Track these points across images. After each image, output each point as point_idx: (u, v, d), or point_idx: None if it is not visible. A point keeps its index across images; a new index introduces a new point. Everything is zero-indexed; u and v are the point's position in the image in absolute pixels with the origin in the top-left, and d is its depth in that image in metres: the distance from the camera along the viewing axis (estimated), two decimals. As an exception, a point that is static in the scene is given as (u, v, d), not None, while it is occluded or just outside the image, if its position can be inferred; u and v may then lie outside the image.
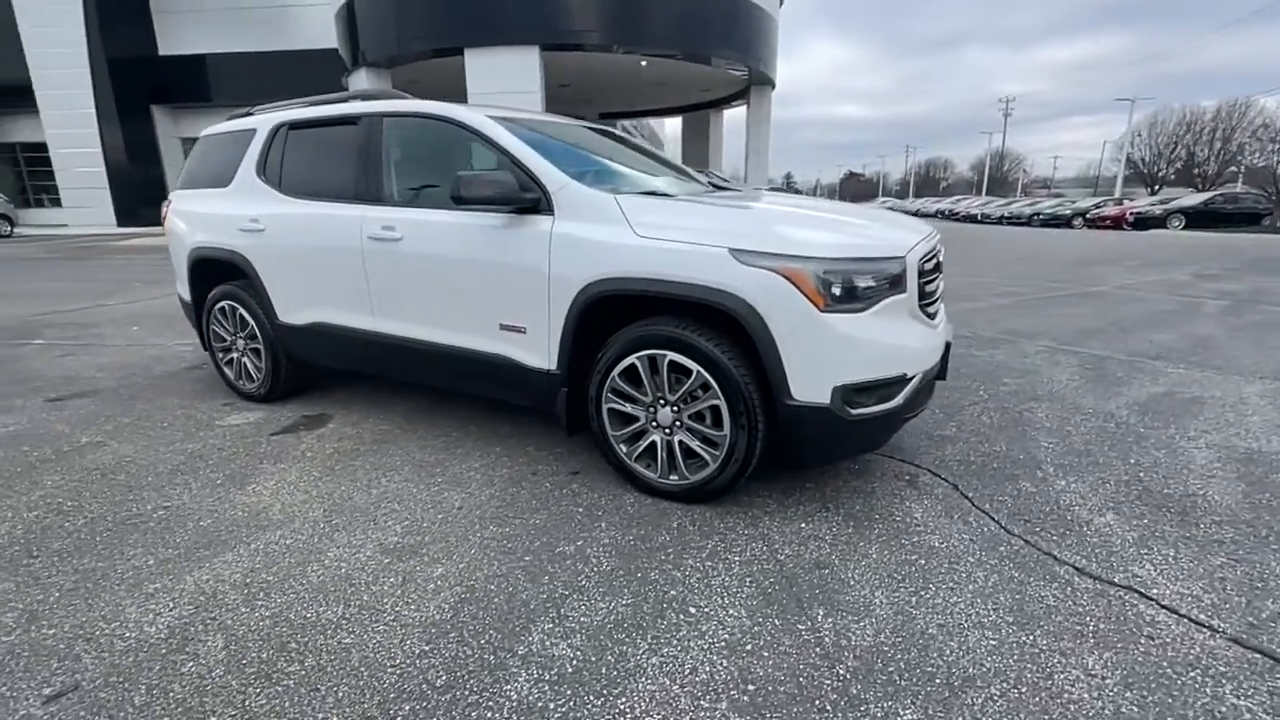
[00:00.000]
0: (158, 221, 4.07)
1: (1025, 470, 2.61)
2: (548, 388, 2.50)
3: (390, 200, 2.84)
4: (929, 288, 2.29)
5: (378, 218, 2.79)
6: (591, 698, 1.47)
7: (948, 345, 2.48)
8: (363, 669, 1.56)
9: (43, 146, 21.63)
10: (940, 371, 2.45)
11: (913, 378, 2.15)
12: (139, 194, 21.00)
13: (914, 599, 1.80)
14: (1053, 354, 4.40)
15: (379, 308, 2.91)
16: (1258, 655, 1.57)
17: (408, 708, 1.45)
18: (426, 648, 1.63)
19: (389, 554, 2.07)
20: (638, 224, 2.22)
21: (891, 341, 2.10)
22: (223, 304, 3.48)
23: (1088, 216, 24.39)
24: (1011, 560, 1.99)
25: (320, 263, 3.04)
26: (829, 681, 1.50)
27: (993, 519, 2.23)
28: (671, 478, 2.33)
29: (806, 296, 1.97)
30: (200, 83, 22.20)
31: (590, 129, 3.57)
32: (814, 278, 1.97)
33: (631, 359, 2.26)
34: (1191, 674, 1.51)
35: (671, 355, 2.18)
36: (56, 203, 22.49)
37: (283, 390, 3.52)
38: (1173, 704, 1.43)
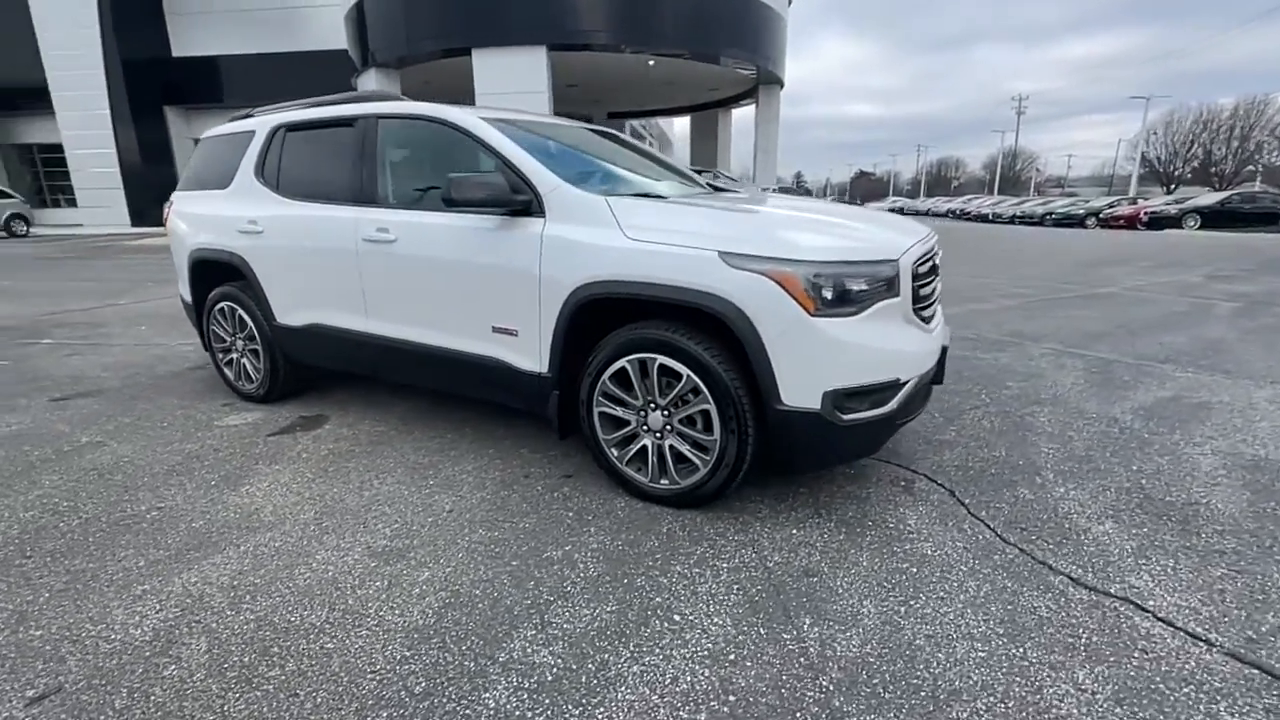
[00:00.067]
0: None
1: (1024, 476, 2.56)
2: (539, 390, 2.49)
3: (385, 202, 2.84)
4: (924, 291, 2.26)
5: (372, 220, 2.80)
6: (570, 707, 1.45)
7: (944, 349, 2.44)
8: (343, 674, 1.56)
9: (59, 148, 21.96)
10: (937, 376, 2.41)
11: (907, 383, 2.12)
12: (152, 194, 21.23)
13: (903, 608, 1.77)
14: (1058, 357, 4.34)
15: (374, 309, 2.91)
16: (1255, 671, 1.53)
17: (385, 715, 1.44)
18: (408, 653, 1.63)
19: (376, 557, 2.06)
20: (628, 226, 2.20)
21: (884, 346, 2.06)
22: (222, 305, 3.50)
23: (1101, 216, 24.06)
24: (1005, 569, 1.95)
25: (316, 264, 3.04)
26: (811, 693, 1.48)
27: (988, 526, 2.20)
28: (662, 482, 2.31)
29: (796, 300, 1.94)
30: (212, 84, 22.44)
31: (591, 130, 3.56)
32: (803, 281, 1.94)
33: (622, 362, 2.25)
34: (1185, 689, 1.48)
35: (661, 359, 2.16)
36: (72, 203, 22.82)
37: (281, 391, 3.54)
38: (1164, 721, 1.39)
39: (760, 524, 2.23)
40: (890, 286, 2.06)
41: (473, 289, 2.56)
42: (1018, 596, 1.82)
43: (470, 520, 2.28)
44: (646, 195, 2.62)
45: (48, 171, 24.60)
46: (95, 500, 2.48)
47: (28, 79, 20.95)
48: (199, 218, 3.57)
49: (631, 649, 1.63)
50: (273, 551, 2.10)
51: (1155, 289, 7.33)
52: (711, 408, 2.11)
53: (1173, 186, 43.93)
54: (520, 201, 2.37)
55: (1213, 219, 20.07)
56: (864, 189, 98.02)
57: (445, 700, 1.47)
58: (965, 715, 1.41)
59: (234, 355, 3.59)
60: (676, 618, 1.75)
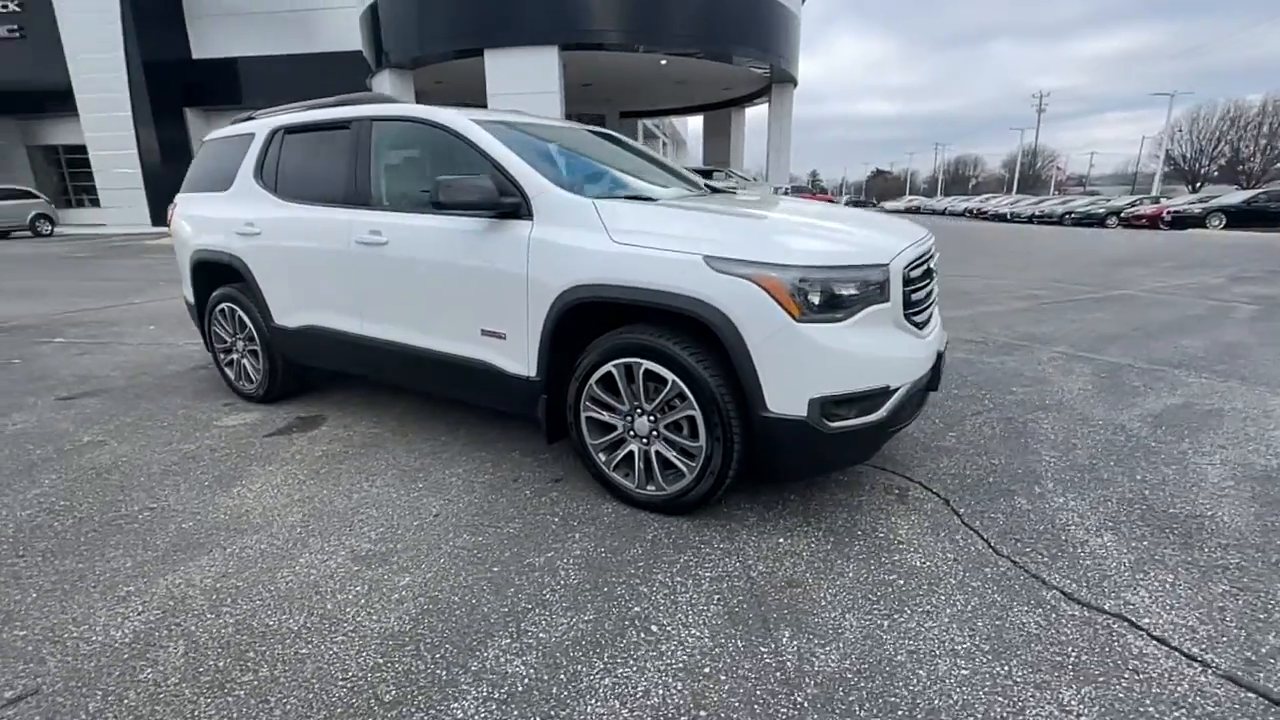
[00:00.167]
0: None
1: (1023, 485, 2.50)
2: (528, 394, 2.48)
3: (378, 204, 2.84)
4: (916, 296, 2.20)
5: (365, 222, 2.80)
6: (538, 719, 1.43)
7: (939, 355, 2.38)
8: (315, 681, 1.55)
9: (83, 149, 22.45)
10: (932, 382, 2.35)
11: (897, 390, 2.07)
12: (173, 194, 21.42)
13: (886, 622, 1.73)
14: (1068, 361, 4.24)
15: (367, 312, 2.92)
16: (1251, 695, 1.47)
17: (352, 723, 1.43)
18: (381, 660, 1.62)
19: (359, 561, 2.06)
20: (614, 230, 2.17)
21: (873, 352, 2.02)
22: (222, 306, 3.54)
23: (1122, 215, 23.60)
24: (996, 583, 1.90)
25: (312, 266, 3.06)
26: (785, 710, 1.45)
27: (981, 537, 2.14)
28: (649, 488, 2.28)
29: (781, 305, 1.91)
30: (231, 85, 22.80)
31: (591, 132, 3.54)
32: (788, 286, 1.90)
33: (608, 367, 2.23)
34: (1176, 714, 1.42)
35: (647, 364, 2.14)
36: (95, 203, 23.33)
37: (280, 391, 3.56)
38: (1151, 746, 1.34)
39: (747, 532, 2.19)
40: (880, 291, 2.01)
41: (462, 292, 2.55)
42: (1006, 611, 1.77)
43: (456, 525, 2.27)
44: (638, 198, 2.60)
45: (72, 172, 25.19)
46: (90, 500, 2.50)
47: (53, 82, 21.44)
48: (200, 219, 3.60)
49: (605, 660, 1.61)
50: (258, 554, 2.11)
51: (1174, 291, 7.16)
52: (697, 414, 2.08)
53: (1198, 185, 42.93)
54: (508, 204, 2.35)
55: (1239, 218, 19.58)
56: (880, 188, 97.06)
57: (413, 710, 1.46)
58: (942, 736, 1.37)
59: (234, 356, 3.63)
60: (654, 628, 1.72)
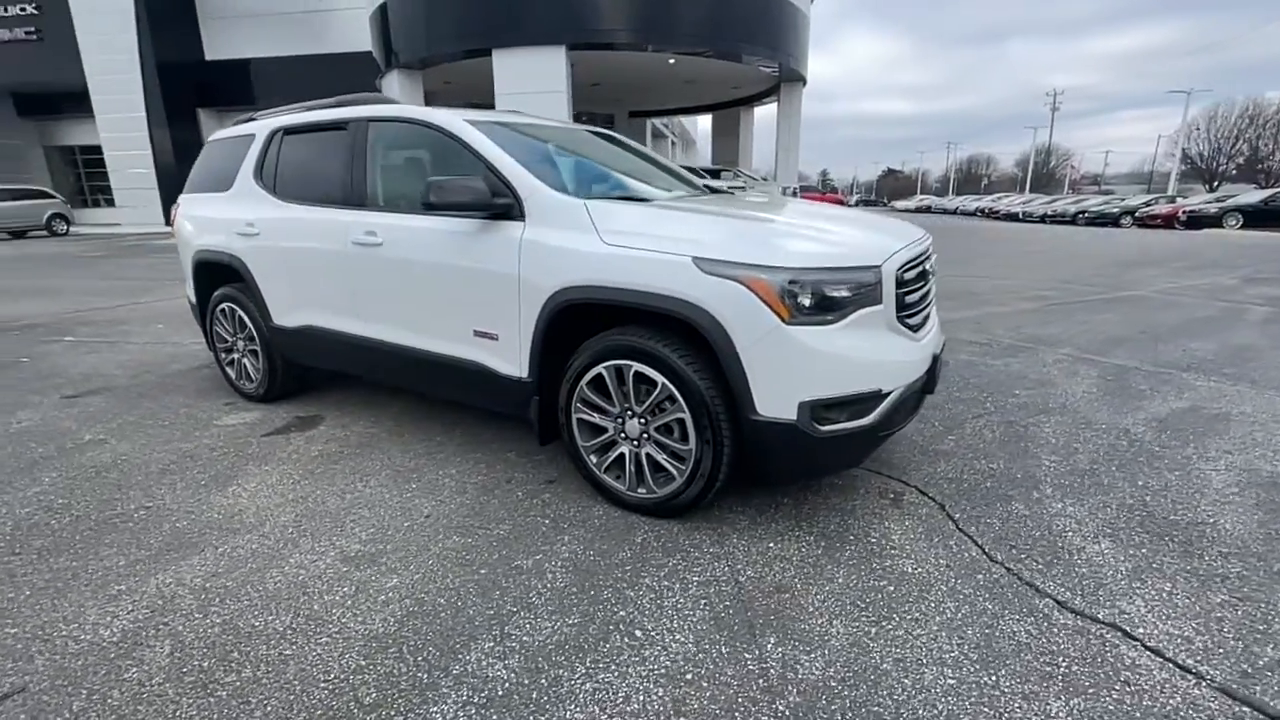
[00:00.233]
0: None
1: (1021, 491, 2.46)
2: (520, 395, 2.47)
3: (374, 205, 2.85)
4: (910, 298, 2.17)
5: (361, 223, 2.81)
6: (516, 724, 1.42)
7: (936, 358, 2.35)
8: (296, 683, 1.55)
9: (98, 149, 22.74)
10: (928, 385, 2.32)
11: (890, 394, 2.04)
12: (185, 194, 21.86)
13: (873, 630, 1.70)
14: (1073, 363, 4.18)
15: (363, 312, 2.92)
16: (1246, 709, 1.43)
17: (331, 726, 1.43)
18: (363, 662, 1.62)
19: (348, 562, 2.06)
20: (605, 231, 2.16)
21: (865, 356, 1.99)
22: (223, 306, 3.56)
23: (1137, 215, 23.27)
24: (988, 590, 1.87)
25: (309, 266, 3.07)
26: (766, 718, 1.43)
27: (975, 543, 2.11)
28: (640, 491, 2.27)
29: (770, 308, 1.89)
30: (244, 86, 23.00)
31: (590, 132, 3.53)
32: (778, 288, 1.88)
33: (599, 369, 2.21)
34: (1167, 727, 1.39)
35: (637, 366, 2.13)
36: (111, 203, 23.63)
37: (280, 391, 3.59)
38: (1139, 760, 1.31)
39: (738, 536, 2.17)
40: (871, 293, 1.99)
41: (455, 292, 2.55)
42: (997, 620, 1.74)
43: (446, 526, 2.27)
44: (631, 199, 2.58)
45: (88, 172, 25.55)
46: (88, 498, 2.53)
47: (70, 83, 21.73)
48: (202, 220, 3.63)
49: (588, 665, 1.60)
50: (249, 554, 2.12)
51: (1186, 292, 7.04)
52: (687, 417, 2.07)
53: (1215, 184, 42.27)
54: (500, 205, 2.35)
55: (1256, 218, 19.24)
56: (891, 187, 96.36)
57: (392, 713, 1.46)
58: (925, 747, 1.35)
59: (235, 355, 3.65)
60: (638, 633, 1.71)
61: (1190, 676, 1.53)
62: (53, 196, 19.85)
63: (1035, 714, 1.42)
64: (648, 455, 2.22)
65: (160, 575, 2.01)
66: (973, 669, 1.56)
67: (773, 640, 1.67)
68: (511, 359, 2.45)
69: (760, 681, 1.53)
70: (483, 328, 2.50)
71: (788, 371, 1.92)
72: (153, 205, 22.39)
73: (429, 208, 2.36)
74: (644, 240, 2.09)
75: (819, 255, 1.98)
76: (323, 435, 3.15)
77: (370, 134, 2.87)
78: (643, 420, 2.20)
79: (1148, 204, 24.19)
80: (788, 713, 1.44)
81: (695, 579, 1.94)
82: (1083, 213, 25.81)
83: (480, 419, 3.28)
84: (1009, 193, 47.44)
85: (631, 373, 2.15)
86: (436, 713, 1.46)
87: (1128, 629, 1.69)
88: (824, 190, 45.11)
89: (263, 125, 3.41)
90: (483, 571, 1.99)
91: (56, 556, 2.13)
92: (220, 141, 3.71)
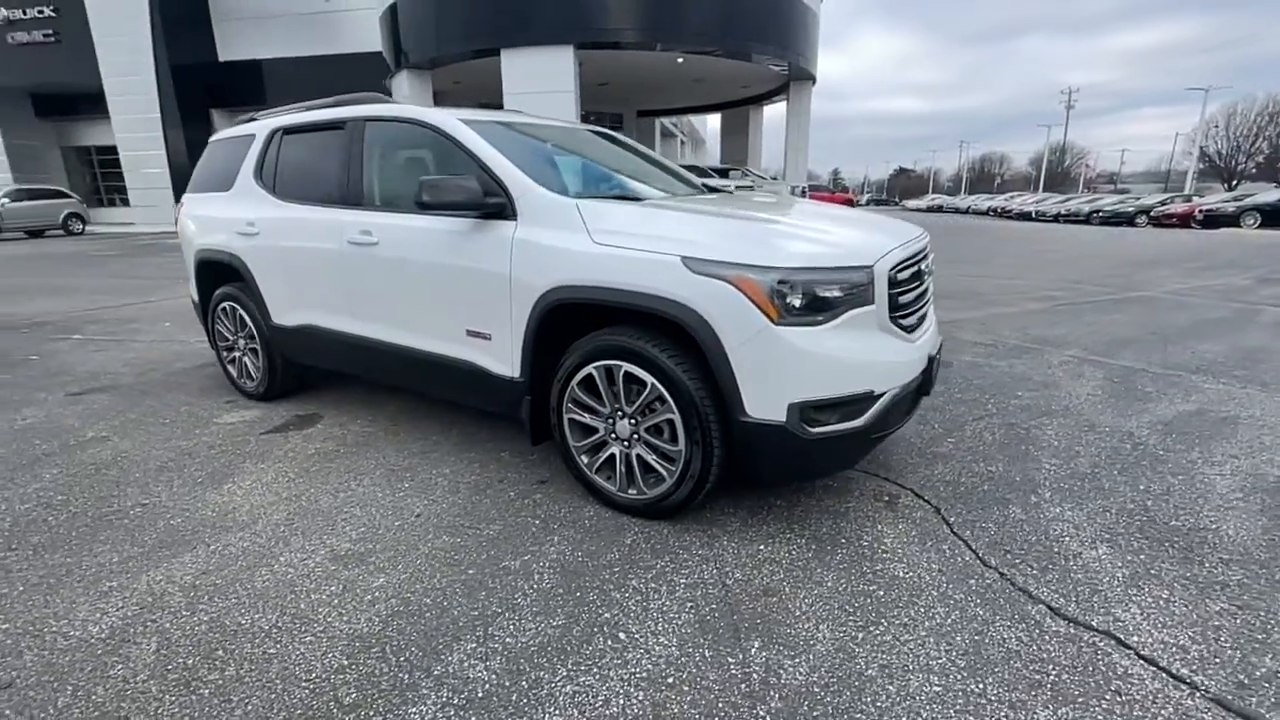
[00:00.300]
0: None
1: (1019, 494, 2.43)
2: (512, 395, 2.47)
3: (370, 204, 2.85)
4: (904, 298, 2.14)
5: (357, 222, 2.81)
6: (494, 726, 1.42)
7: (932, 359, 2.32)
8: (278, 681, 1.56)
9: (113, 149, 23.08)
10: (923, 387, 2.29)
11: (882, 395, 2.02)
12: (197, 194, 22.11)
13: (860, 634, 1.68)
14: (1079, 365, 4.12)
15: (359, 311, 2.93)
16: (1240, 720, 1.40)
17: (310, 726, 1.43)
18: (346, 662, 1.62)
19: (337, 561, 2.07)
20: (595, 230, 2.15)
21: (856, 357, 1.97)
22: (224, 304, 3.59)
23: (1152, 214, 22.96)
24: (980, 595, 1.84)
25: (307, 266, 3.09)
26: (746, 723, 1.41)
27: (969, 548, 2.08)
28: (630, 492, 2.26)
29: (759, 308, 1.87)
30: (256, 87, 23.23)
31: (590, 132, 3.52)
32: (767, 288, 1.86)
33: (589, 369, 2.20)
34: (1157, 738, 1.36)
35: (627, 366, 2.11)
36: (125, 202, 23.96)
37: (280, 389, 3.61)
38: (1127, 772, 1.28)
39: (728, 538, 2.15)
40: (862, 294, 1.96)
41: (448, 292, 2.55)
42: (988, 626, 1.71)
43: (436, 526, 2.27)
44: (625, 198, 2.57)
45: (104, 172, 25.91)
46: (86, 495, 2.55)
47: (86, 84, 22.06)
48: (204, 219, 3.66)
49: (569, 667, 1.59)
50: (239, 552, 2.13)
51: (1198, 292, 6.92)
52: (676, 417, 2.05)
53: (1234, 182, 41.59)
54: (492, 204, 2.34)
55: (1275, 217, 18.91)
56: (903, 186, 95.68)
57: (371, 713, 1.46)
58: (906, 755, 1.32)
59: (236, 354, 3.68)
60: (622, 635, 1.69)
61: (1184, 687, 1.49)
62: (69, 196, 20.14)
63: (1021, 723, 1.40)
64: (638, 456, 2.21)
65: (152, 572, 2.02)
66: (959, 676, 1.53)
67: (757, 644, 1.65)
68: (504, 359, 2.45)
69: (742, 686, 1.52)
70: (475, 327, 2.49)
71: (777, 372, 1.90)
72: (166, 205, 22.62)
73: (422, 207, 2.36)
74: (634, 240, 2.08)
75: (809, 255, 1.96)
76: (320, 434, 3.16)
77: (366, 134, 2.88)
78: (633, 421, 2.18)
79: (1163, 203, 23.85)
80: (769, 718, 1.42)
81: (683, 581, 1.92)
82: (1097, 212, 25.49)
83: (477, 418, 3.28)
84: (1022, 192, 46.92)
85: (621, 373, 2.14)
86: (415, 714, 1.45)
87: (1121, 637, 1.66)
88: (834, 190, 44.79)
89: (263, 125, 3.43)
90: (470, 571, 1.99)
91: (52, 553, 2.15)
92: (222, 141, 3.74)
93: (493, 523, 2.28)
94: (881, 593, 1.86)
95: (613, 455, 2.27)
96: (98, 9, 21.20)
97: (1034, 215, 29.74)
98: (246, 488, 2.59)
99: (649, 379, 2.07)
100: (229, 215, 3.43)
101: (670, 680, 1.54)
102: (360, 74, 19.37)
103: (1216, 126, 43.56)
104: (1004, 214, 33.35)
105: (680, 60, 17.49)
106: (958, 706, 1.44)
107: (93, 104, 22.49)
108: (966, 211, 39.83)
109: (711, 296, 1.91)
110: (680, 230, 2.07)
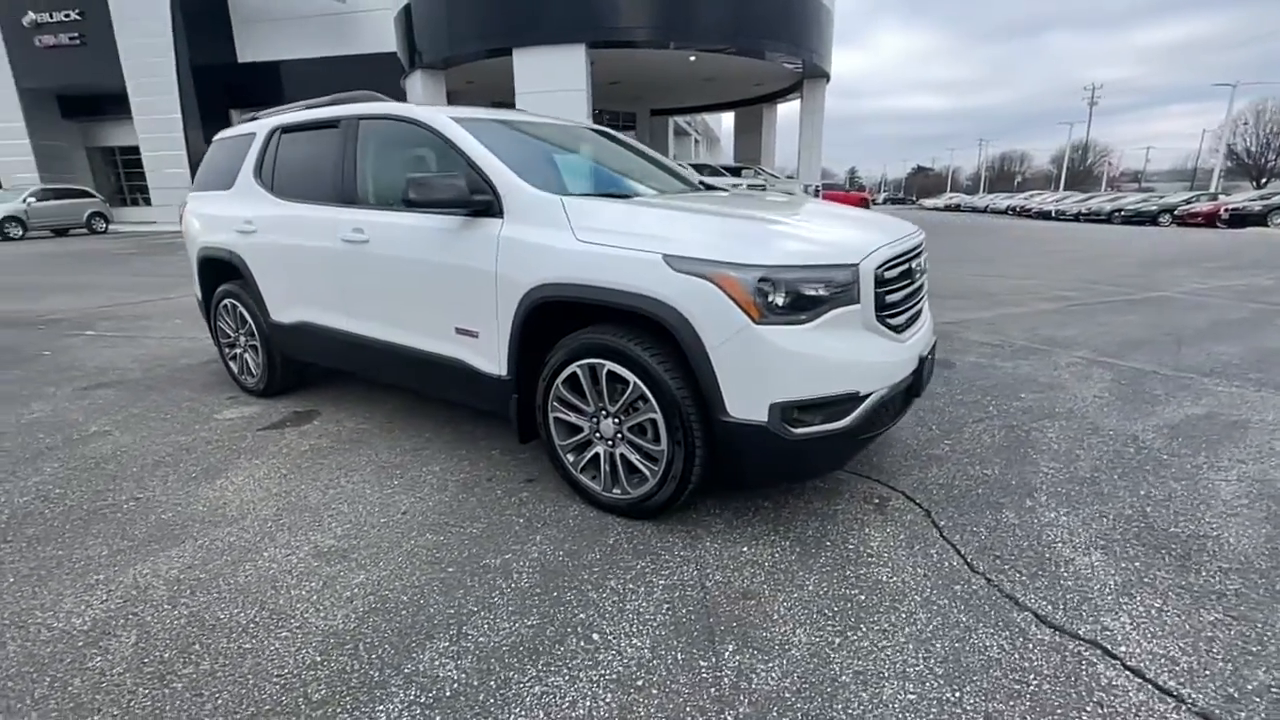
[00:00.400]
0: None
1: (1013, 498, 2.37)
2: (500, 393, 2.46)
3: (363, 202, 2.87)
4: (892, 297, 2.10)
5: (349, 220, 2.83)
6: (459, 726, 1.41)
7: (923, 359, 2.27)
8: (250, 677, 1.56)
9: (136, 150, 23.50)
10: (914, 387, 2.24)
11: (868, 396, 1.98)
12: (217, 193, 22.46)
13: (837, 640, 1.65)
14: (1087, 367, 4.03)
15: (352, 309, 2.95)
16: (1226, 736, 1.35)
17: (277, 721, 1.43)
18: (319, 658, 1.62)
19: (320, 557, 2.07)
20: (579, 228, 2.14)
21: (841, 357, 1.93)
22: (225, 302, 3.63)
23: (1176, 213, 22.44)
24: (964, 602, 1.80)
25: (303, 263, 3.11)
26: (713, 728, 1.39)
27: (958, 552, 2.03)
28: (614, 491, 2.24)
29: (740, 306, 1.84)
30: (274, 87, 23.52)
31: (588, 129, 3.51)
32: (749, 286, 1.84)
33: (573, 367, 2.19)
34: (1137, 752, 1.31)
35: (610, 365, 2.10)
36: (148, 201, 24.40)
37: (280, 386, 3.64)
38: (1102, 787, 1.24)
39: (711, 539, 2.13)
40: (847, 293, 1.92)
41: (437, 289, 2.55)
42: (970, 633, 1.67)
43: (421, 523, 2.27)
44: (614, 196, 2.55)
45: (127, 172, 26.41)
46: (83, 488, 2.59)
47: (111, 86, 22.49)
48: (206, 217, 3.71)
49: (539, 668, 1.57)
50: (226, 546, 2.15)
51: (1218, 293, 6.75)
52: (658, 417, 2.03)
53: (1263, 180, 40.53)
54: (479, 202, 2.34)
55: (1304, 216, 18.40)
56: (921, 185, 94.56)
57: (338, 710, 1.46)
58: (874, 765, 1.29)
59: (238, 350, 3.72)
60: (595, 636, 1.68)
61: (1170, 699, 1.44)
62: (93, 196, 20.57)
63: (996, 734, 1.36)
64: (622, 456, 2.20)
65: (139, 566, 2.04)
66: (936, 684, 1.50)
67: (731, 647, 1.63)
68: (491, 356, 2.44)
69: (712, 690, 1.49)
70: (464, 325, 2.49)
71: (758, 372, 1.87)
72: (187, 204, 23.03)
73: (409, 204, 2.36)
74: (617, 237, 2.06)
75: (792, 253, 1.92)
76: (316, 430, 3.19)
77: (360, 132, 2.89)
78: (617, 420, 2.17)
79: (1188, 201, 23.30)
80: (736, 724, 1.40)
81: (661, 582, 1.90)
82: (1118, 211, 24.99)
83: (471, 416, 3.28)
84: (1042, 190, 46.15)
85: (605, 371, 2.12)
86: (382, 711, 1.45)
87: (1108, 647, 1.61)
88: (849, 189, 44.35)
89: (262, 124, 3.46)
90: (450, 569, 1.99)
91: (45, 545, 2.18)
92: (225, 140, 3.78)
93: (477, 521, 2.28)
94: (863, 597, 1.82)
95: (597, 454, 2.26)
96: (121, 12, 21.62)
97: (1054, 214, 29.22)
98: (239, 483, 2.61)
99: (631, 378, 2.05)
100: (229, 213, 3.47)
101: (640, 683, 1.52)
102: (377, 74, 19.53)
103: (1245, 123, 42.51)
104: (1023, 213, 32.82)
105: (693, 59, 17.41)
106: (931, 715, 1.41)
107: (117, 105, 22.94)
108: (984, 210, 39.25)
109: (692, 295, 1.88)
110: (663, 228, 2.05)
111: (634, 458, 2.16)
